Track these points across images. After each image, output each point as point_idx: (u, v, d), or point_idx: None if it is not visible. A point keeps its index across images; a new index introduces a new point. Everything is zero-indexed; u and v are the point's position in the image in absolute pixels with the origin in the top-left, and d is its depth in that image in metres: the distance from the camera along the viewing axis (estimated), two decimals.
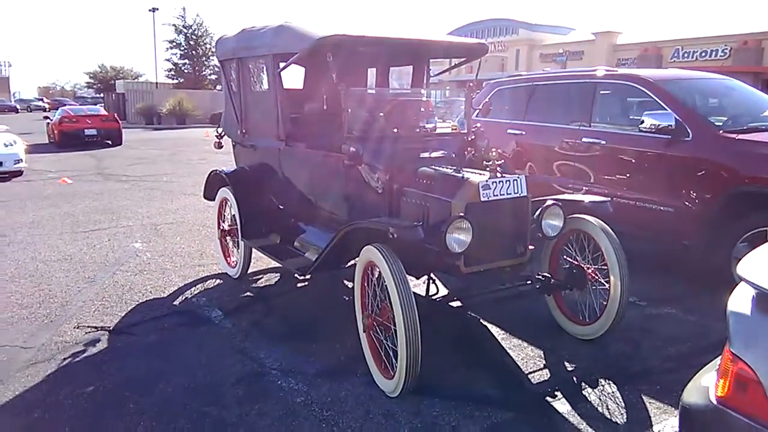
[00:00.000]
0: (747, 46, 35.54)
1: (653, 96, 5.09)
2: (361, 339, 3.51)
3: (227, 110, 5.46)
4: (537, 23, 49.00)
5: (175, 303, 4.76)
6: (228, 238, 5.44)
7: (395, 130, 4.19)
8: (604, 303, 3.77)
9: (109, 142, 19.87)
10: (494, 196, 3.43)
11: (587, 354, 3.77)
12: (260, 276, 5.45)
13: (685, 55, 37.44)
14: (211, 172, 5.44)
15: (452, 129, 4.52)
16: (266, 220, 4.93)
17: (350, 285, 5.06)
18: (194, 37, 47.02)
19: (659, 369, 3.58)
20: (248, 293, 5.02)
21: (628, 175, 5.21)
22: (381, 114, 4.21)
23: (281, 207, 4.88)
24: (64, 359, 3.75)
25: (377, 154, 3.94)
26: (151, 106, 34.44)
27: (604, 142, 5.39)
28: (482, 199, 3.39)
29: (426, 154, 4.11)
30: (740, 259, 2.14)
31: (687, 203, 4.77)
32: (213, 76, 49.14)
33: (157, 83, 43.25)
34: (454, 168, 3.81)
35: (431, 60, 5.11)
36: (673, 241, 4.98)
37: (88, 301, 4.74)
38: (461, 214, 3.30)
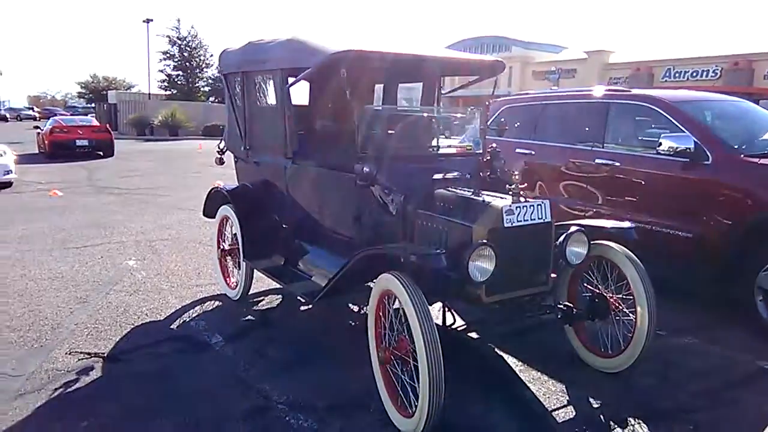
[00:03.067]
0: (738, 67, 35.88)
1: (670, 118, 4.95)
2: (374, 372, 3.30)
3: (230, 125, 5.26)
4: (530, 41, 49.44)
5: (172, 327, 4.52)
6: (228, 258, 5.22)
7: (410, 150, 4.02)
8: (629, 334, 3.58)
9: (101, 153, 19.57)
10: (518, 221, 3.26)
11: (611, 389, 3.57)
12: (261, 298, 5.23)
13: (677, 74, 37.71)
14: (212, 188, 5.23)
15: (467, 149, 4.35)
16: (269, 240, 4.71)
17: (356, 309, 4.86)
18: (188, 48, 46.96)
19: (690, 406, 3.39)
20: (249, 317, 4.79)
21: (643, 197, 5.05)
22: (393, 132, 4.04)
23: (286, 227, 4.67)
24: (56, 389, 3.49)
25: (392, 175, 3.75)
26: (144, 117, 34.17)
27: (618, 164, 5.23)
28: (505, 224, 3.22)
29: (439, 175, 3.93)
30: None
31: (706, 228, 4.62)
32: (206, 88, 49.08)
33: (149, 94, 42.96)
34: (473, 191, 3.63)
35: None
36: (691, 267, 4.81)
37: (80, 324, 4.49)
38: (485, 241, 3.12)
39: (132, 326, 4.50)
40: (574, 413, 3.32)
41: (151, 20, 42.41)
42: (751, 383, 3.71)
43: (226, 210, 5.10)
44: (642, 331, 3.50)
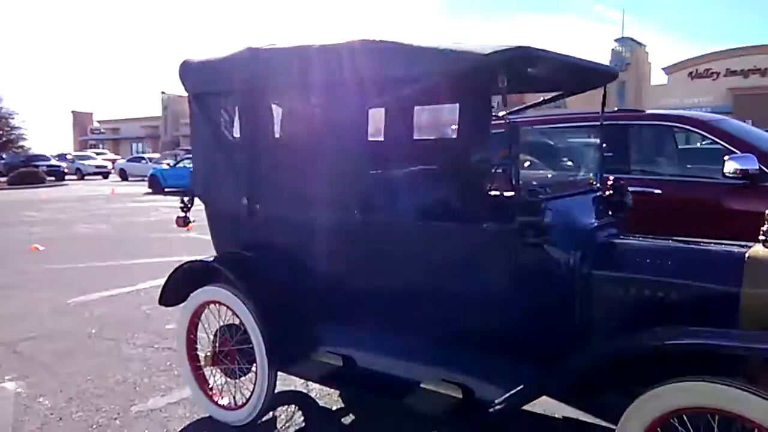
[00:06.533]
0: None
1: (716, 139, 4.54)
2: None
3: (207, 167, 3.60)
4: None
5: None
6: (217, 366, 3.51)
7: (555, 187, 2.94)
8: None
9: None
10: None
11: None
12: (266, 415, 3.60)
13: None
14: (184, 263, 3.48)
15: (590, 182, 3.37)
16: (313, 332, 3.20)
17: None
18: None
19: None
20: None
21: (693, 226, 4.53)
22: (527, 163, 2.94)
23: (340, 309, 3.20)
24: None
25: (551, 223, 2.65)
26: None
27: (659, 192, 4.68)
28: None
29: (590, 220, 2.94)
30: None
31: None
32: None
33: None
34: (674, 238, 2.71)
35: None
36: None
37: None
38: None
39: None
40: None
41: None
42: None
43: (210, 292, 3.41)
44: None
